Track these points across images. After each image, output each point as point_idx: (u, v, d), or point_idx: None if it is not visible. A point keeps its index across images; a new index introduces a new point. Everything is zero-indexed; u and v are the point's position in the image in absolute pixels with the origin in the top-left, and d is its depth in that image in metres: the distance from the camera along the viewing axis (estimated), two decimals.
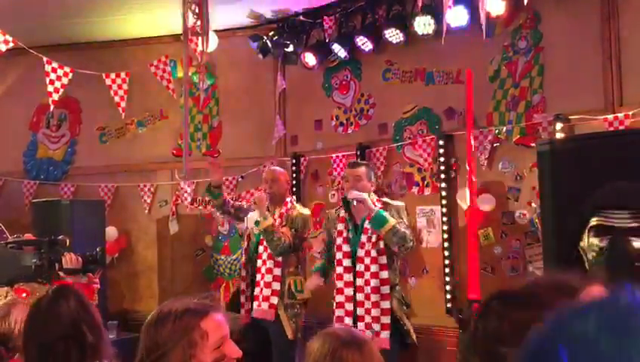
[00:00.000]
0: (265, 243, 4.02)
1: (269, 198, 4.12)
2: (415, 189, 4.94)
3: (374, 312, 3.60)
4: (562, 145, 3.16)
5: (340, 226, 3.81)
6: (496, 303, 0.94)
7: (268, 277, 4.01)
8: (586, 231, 1.64)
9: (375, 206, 3.68)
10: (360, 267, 3.68)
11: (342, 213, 3.85)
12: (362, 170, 3.85)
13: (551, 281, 1.11)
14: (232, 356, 1.56)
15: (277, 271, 4.03)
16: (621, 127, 3.78)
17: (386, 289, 3.64)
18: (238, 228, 5.39)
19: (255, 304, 4.03)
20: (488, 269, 4.53)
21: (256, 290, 4.05)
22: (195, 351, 1.50)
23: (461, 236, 4.64)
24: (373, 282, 3.62)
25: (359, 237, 3.74)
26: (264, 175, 4.31)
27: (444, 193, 4.72)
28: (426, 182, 4.92)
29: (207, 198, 5.89)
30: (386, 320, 3.60)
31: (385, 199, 3.91)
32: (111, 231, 5.79)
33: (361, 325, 3.60)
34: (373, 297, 3.61)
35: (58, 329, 1.77)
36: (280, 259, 4.03)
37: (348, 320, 3.66)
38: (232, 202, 4.46)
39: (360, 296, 3.66)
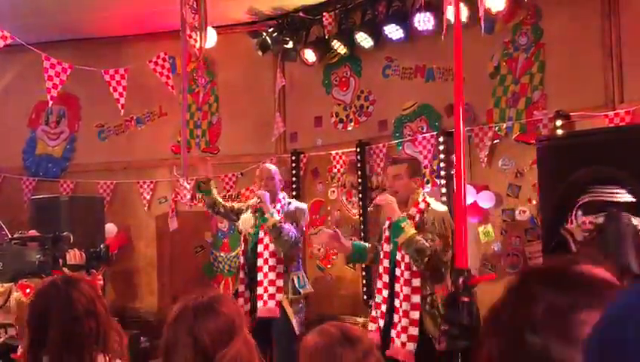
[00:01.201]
0: (272, 240, 4.00)
1: None
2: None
3: (404, 322, 3.36)
4: (561, 141, 3.16)
5: (386, 224, 3.57)
6: (532, 282, 0.77)
7: (271, 275, 4.00)
8: (574, 211, 1.54)
9: (419, 205, 3.43)
10: (397, 271, 3.44)
11: None
12: (403, 166, 3.53)
13: (595, 263, 0.99)
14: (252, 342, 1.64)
15: (280, 268, 4.03)
16: (622, 124, 3.78)
17: (416, 299, 3.36)
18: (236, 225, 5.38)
19: (260, 303, 4.02)
20: (488, 266, 4.54)
21: (259, 290, 4.03)
22: (241, 335, 1.58)
23: None
24: (405, 289, 3.38)
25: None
26: (258, 172, 4.29)
27: (444, 190, 4.72)
28: (426, 179, 4.92)
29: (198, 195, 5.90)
30: (414, 331, 3.34)
31: (430, 200, 3.54)
32: (110, 228, 5.79)
33: (393, 332, 3.41)
34: (404, 305, 3.37)
35: (83, 303, 1.78)
36: (282, 255, 4.02)
37: (381, 322, 3.48)
38: (222, 202, 4.39)
39: (397, 302, 3.43)
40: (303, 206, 4.33)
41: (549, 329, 0.70)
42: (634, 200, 1.41)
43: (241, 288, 4.16)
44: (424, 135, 4.89)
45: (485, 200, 4.52)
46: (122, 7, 5.39)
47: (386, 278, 3.53)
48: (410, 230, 3.31)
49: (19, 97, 6.23)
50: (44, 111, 6.29)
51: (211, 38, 5.16)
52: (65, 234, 2.50)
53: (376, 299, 3.57)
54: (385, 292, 3.52)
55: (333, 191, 5.46)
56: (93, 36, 5.97)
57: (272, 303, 3.99)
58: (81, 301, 1.78)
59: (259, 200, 4.07)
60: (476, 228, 4.61)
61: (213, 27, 5.13)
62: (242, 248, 4.24)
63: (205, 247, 5.97)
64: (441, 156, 4.74)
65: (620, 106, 3.92)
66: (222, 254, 5.91)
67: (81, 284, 1.84)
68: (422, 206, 3.47)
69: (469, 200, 4.58)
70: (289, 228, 3.99)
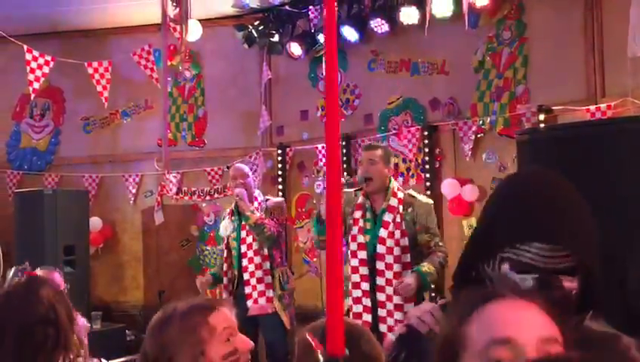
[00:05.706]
0: (256, 237, 4.03)
1: None
2: (400, 180, 4.96)
3: (397, 315, 3.27)
4: (541, 135, 3.17)
5: (357, 214, 3.46)
6: None
7: (259, 273, 4.03)
8: (496, 260, 1.25)
9: (397, 195, 3.43)
10: (380, 265, 3.35)
11: (360, 199, 3.49)
12: (378, 152, 3.50)
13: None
14: (244, 349, 1.52)
15: (266, 266, 4.07)
16: (603, 118, 3.81)
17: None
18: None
19: (249, 302, 4.00)
20: None
21: (247, 289, 4.03)
22: (205, 348, 1.45)
23: (445, 225, 4.67)
24: (396, 283, 3.30)
25: (378, 230, 3.40)
26: (232, 172, 4.32)
27: (428, 183, 4.74)
28: (410, 173, 4.94)
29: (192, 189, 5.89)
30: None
31: (413, 192, 3.59)
32: (95, 222, 5.77)
33: (383, 327, 3.33)
34: (396, 299, 3.28)
35: (39, 311, 1.75)
36: (266, 252, 4.06)
37: (367, 317, 3.38)
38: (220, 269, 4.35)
39: (381, 296, 3.34)
40: (280, 200, 4.42)
41: None
42: (561, 266, 1.16)
43: (225, 294, 4.14)
44: (409, 128, 4.91)
45: (469, 194, 4.54)
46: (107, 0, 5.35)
47: (364, 270, 3.43)
48: (430, 268, 3.33)
49: (2, 90, 6.17)
50: (28, 104, 6.24)
51: (197, 31, 5.14)
52: None
53: (355, 294, 3.43)
54: (365, 285, 3.43)
55: (319, 185, 5.47)
56: (79, 28, 5.92)
57: (262, 300, 4.01)
58: (43, 303, 1.75)
59: (238, 198, 4.08)
60: (461, 222, 4.64)
61: (198, 20, 5.11)
62: (225, 255, 4.22)
63: (191, 241, 5.96)
64: (426, 150, 4.76)
65: (601, 100, 3.95)
66: (208, 248, 5.90)
67: (47, 288, 1.81)
68: (400, 195, 3.47)
69: (455, 194, 4.61)
70: (270, 223, 4.04)
